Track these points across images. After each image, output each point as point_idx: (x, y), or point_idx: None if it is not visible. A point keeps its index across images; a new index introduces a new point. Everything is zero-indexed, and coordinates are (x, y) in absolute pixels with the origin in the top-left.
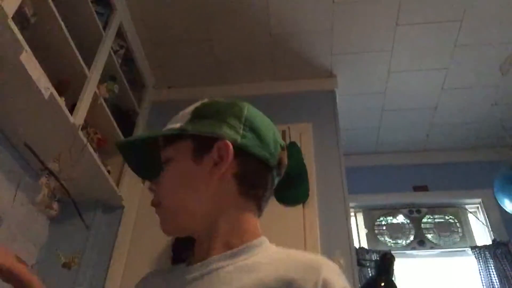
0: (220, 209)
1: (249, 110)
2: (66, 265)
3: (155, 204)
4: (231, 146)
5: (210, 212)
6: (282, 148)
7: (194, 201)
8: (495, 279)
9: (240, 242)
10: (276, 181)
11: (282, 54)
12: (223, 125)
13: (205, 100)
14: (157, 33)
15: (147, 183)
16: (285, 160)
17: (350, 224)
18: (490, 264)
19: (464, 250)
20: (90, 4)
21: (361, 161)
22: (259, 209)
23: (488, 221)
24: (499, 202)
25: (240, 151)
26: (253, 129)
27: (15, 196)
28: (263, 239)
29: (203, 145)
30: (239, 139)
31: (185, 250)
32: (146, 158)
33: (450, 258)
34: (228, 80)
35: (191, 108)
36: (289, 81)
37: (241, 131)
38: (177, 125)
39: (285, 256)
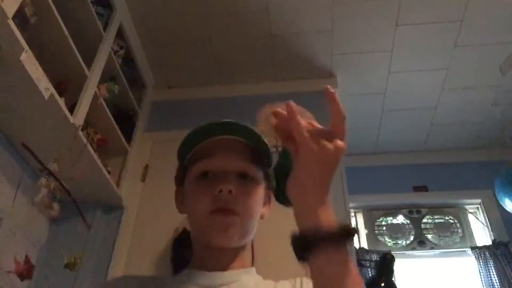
0: (253, 235)
1: None
2: (68, 266)
3: (232, 212)
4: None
5: (252, 237)
6: None
7: (255, 226)
8: (495, 279)
9: (248, 264)
10: None
11: (282, 54)
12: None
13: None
14: (157, 33)
15: (228, 186)
16: None
17: (350, 224)
18: (490, 264)
19: (464, 251)
20: (90, 4)
21: (361, 161)
22: None
23: (488, 221)
24: (500, 202)
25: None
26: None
27: (15, 196)
28: (254, 269)
29: (268, 185)
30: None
31: (185, 250)
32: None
33: (450, 259)
34: (228, 80)
35: (267, 140)
36: (289, 81)
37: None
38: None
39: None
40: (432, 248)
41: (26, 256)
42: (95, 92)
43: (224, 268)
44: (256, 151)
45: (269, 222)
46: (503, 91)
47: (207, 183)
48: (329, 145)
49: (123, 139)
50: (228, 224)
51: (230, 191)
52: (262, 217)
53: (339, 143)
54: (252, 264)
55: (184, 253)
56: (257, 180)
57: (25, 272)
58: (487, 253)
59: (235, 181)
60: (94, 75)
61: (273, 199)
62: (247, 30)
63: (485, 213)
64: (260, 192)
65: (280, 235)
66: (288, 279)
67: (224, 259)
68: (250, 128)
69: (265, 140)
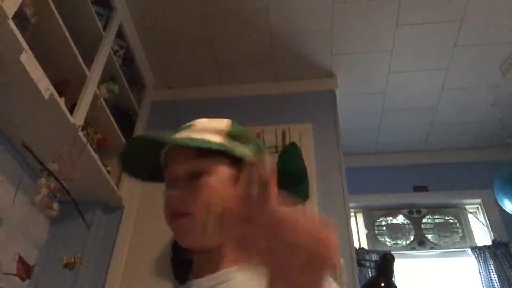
0: None
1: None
2: (67, 266)
3: (181, 213)
4: None
5: None
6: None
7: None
8: (495, 279)
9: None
10: None
11: (282, 54)
12: (252, 150)
13: (231, 122)
14: (157, 33)
15: (172, 192)
16: None
17: (350, 224)
18: (490, 264)
19: (464, 251)
20: (90, 4)
21: (361, 161)
22: None
23: (488, 221)
24: (499, 202)
25: None
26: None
27: (15, 196)
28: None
29: (239, 167)
30: None
31: (185, 250)
32: (145, 159)
33: (450, 258)
34: (228, 80)
35: (215, 124)
36: (289, 81)
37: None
38: (215, 140)
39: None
40: (432, 248)
41: (26, 256)
42: (95, 92)
43: (215, 269)
44: (193, 148)
45: None
46: (503, 91)
47: (166, 191)
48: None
49: (123, 139)
50: (182, 226)
51: (175, 195)
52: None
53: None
54: None
55: (184, 253)
56: (211, 171)
57: (25, 272)
58: (487, 253)
59: (186, 183)
60: (94, 75)
61: None
62: (247, 30)
63: (485, 213)
64: (217, 182)
65: None
66: None
67: (211, 259)
68: (183, 138)
69: (195, 139)
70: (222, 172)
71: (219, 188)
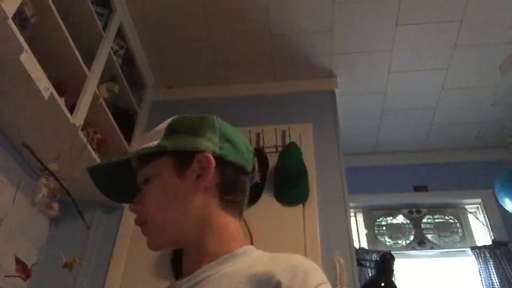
0: (207, 219)
1: (220, 122)
2: (67, 266)
3: (141, 223)
4: (212, 158)
5: (198, 223)
6: (253, 154)
7: (182, 215)
8: (495, 279)
9: (227, 250)
10: (248, 186)
11: (282, 54)
12: (200, 138)
13: (175, 117)
14: (157, 33)
15: (129, 206)
16: (256, 165)
17: (350, 224)
18: (490, 264)
19: (464, 250)
20: (90, 4)
21: (361, 161)
22: (240, 214)
23: (488, 221)
24: (500, 202)
25: (220, 161)
26: (228, 140)
27: (15, 196)
28: (249, 248)
29: (183, 159)
30: (217, 150)
31: None
32: (119, 182)
33: (450, 258)
34: (228, 80)
35: (162, 125)
36: (289, 81)
37: (218, 143)
38: (153, 143)
39: (267, 258)
40: (432, 248)
41: (25, 256)
42: (95, 92)
43: (193, 269)
44: (136, 159)
45: (269, 222)
46: (503, 91)
47: None
48: None
49: (123, 139)
50: (145, 234)
51: (132, 210)
52: (206, 188)
53: None
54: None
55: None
56: (153, 174)
57: (25, 272)
58: (487, 253)
59: (142, 192)
60: (94, 75)
61: (212, 163)
62: (247, 30)
63: (485, 213)
64: (160, 183)
65: (280, 235)
66: (287, 269)
67: (191, 262)
68: (123, 157)
69: (135, 151)
70: (163, 171)
71: (164, 188)
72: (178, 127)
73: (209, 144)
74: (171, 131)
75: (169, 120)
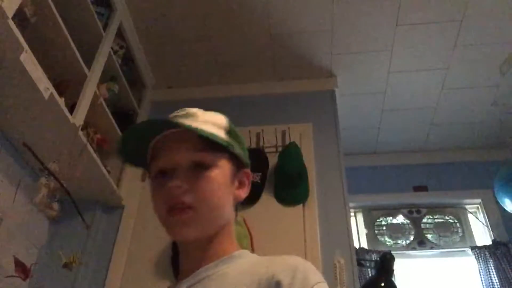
0: (226, 224)
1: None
2: (67, 265)
3: (185, 206)
4: (250, 176)
5: (222, 226)
6: None
7: (221, 214)
8: (495, 279)
9: (228, 251)
10: None
11: (282, 54)
12: (245, 153)
13: (227, 118)
14: (157, 33)
15: (175, 181)
16: None
17: (350, 224)
18: (490, 264)
19: (464, 250)
20: (90, 4)
21: (361, 161)
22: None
23: (488, 221)
24: (499, 202)
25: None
26: (246, 150)
27: (15, 196)
28: (244, 251)
29: (237, 167)
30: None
31: None
32: (136, 143)
33: (450, 258)
34: (228, 80)
35: (218, 119)
36: (289, 81)
37: (247, 158)
38: (220, 135)
39: (265, 259)
40: (432, 248)
41: (25, 256)
42: (95, 92)
43: (195, 268)
44: (202, 138)
45: (269, 222)
46: (503, 91)
47: (162, 181)
48: None
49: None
50: (183, 221)
51: (178, 186)
52: (237, 199)
53: None
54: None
55: None
56: (216, 165)
57: (25, 272)
58: (487, 253)
59: (188, 173)
60: (94, 75)
61: (250, 181)
62: (247, 30)
63: (485, 213)
64: (219, 176)
65: (280, 235)
66: (287, 268)
67: (197, 253)
68: (184, 124)
69: (209, 132)
70: (225, 167)
71: (221, 183)
72: (232, 132)
73: (248, 161)
74: (229, 132)
75: (224, 118)
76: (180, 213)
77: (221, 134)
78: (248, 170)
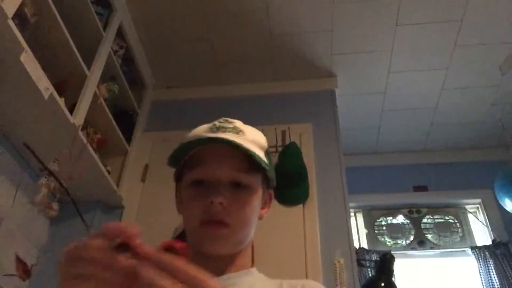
0: (250, 243)
1: None
2: None
3: (221, 222)
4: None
5: (248, 245)
6: None
7: (249, 234)
8: (495, 279)
9: (247, 266)
10: None
11: (282, 54)
12: (274, 173)
13: (264, 138)
14: (157, 33)
15: (219, 197)
16: None
17: (350, 224)
18: (490, 264)
19: (464, 250)
20: (90, 4)
21: (361, 161)
22: None
23: (488, 221)
24: (500, 202)
25: None
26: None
27: (15, 196)
28: (255, 269)
29: (267, 188)
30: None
31: None
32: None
33: (450, 258)
34: (228, 80)
35: (262, 141)
36: (289, 81)
37: (274, 180)
38: (263, 157)
39: (285, 282)
40: (432, 248)
41: (26, 256)
42: (95, 92)
43: (219, 273)
44: (251, 157)
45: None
46: (503, 91)
47: (200, 191)
48: None
49: (123, 139)
50: (218, 237)
51: (221, 203)
52: (261, 218)
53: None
54: (252, 264)
55: None
56: (253, 188)
57: (25, 272)
58: (487, 253)
59: (228, 191)
60: (94, 75)
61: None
62: (247, 30)
63: (485, 213)
64: (255, 199)
65: (280, 235)
66: (295, 280)
67: (219, 264)
68: (242, 145)
69: (258, 156)
70: (259, 191)
71: (256, 206)
72: (268, 152)
73: (275, 183)
74: (267, 153)
75: (264, 138)
76: (215, 228)
77: (262, 155)
78: (272, 192)
